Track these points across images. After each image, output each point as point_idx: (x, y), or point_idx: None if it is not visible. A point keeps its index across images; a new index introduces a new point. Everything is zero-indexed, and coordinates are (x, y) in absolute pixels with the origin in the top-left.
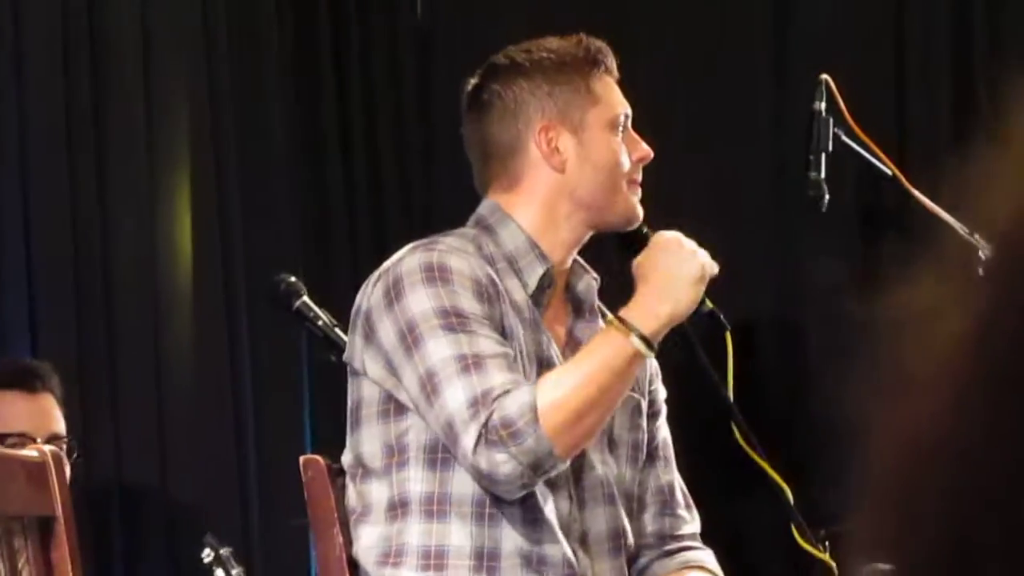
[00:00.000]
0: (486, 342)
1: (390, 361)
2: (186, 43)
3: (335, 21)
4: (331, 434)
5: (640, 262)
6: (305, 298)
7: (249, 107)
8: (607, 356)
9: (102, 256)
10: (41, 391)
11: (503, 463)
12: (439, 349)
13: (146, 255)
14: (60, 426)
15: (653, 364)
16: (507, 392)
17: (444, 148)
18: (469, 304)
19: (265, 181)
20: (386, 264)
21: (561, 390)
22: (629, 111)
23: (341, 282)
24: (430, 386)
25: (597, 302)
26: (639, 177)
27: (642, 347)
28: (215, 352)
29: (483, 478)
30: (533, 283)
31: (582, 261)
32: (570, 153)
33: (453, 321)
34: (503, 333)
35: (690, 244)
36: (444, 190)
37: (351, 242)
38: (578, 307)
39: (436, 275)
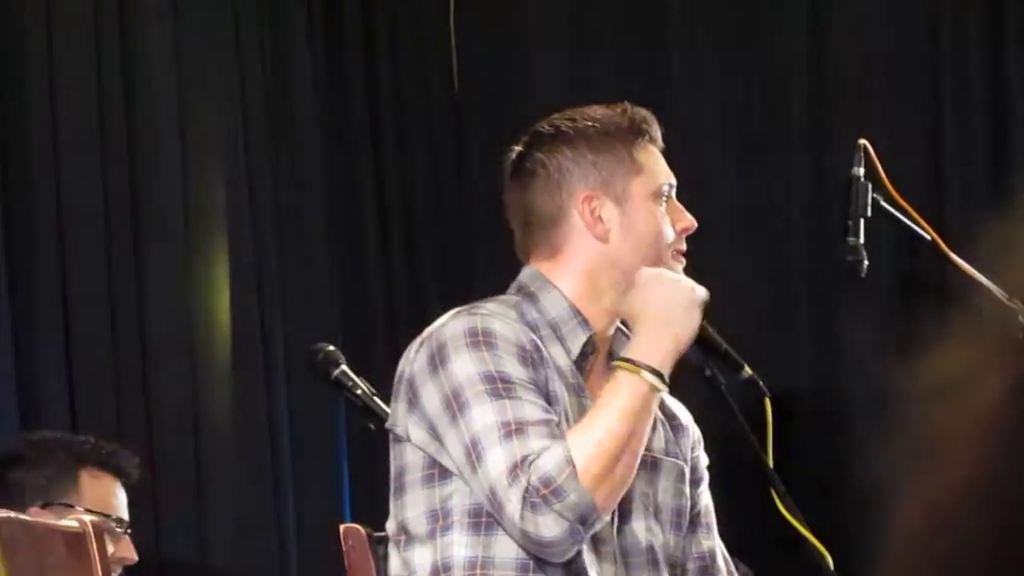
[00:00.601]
0: (530, 408)
1: (434, 427)
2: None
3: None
4: (369, 503)
5: (630, 303)
6: (344, 367)
7: (283, 183)
8: (624, 400)
9: (140, 326)
10: (127, 482)
11: (551, 524)
12: (484, 415)
13: (184, 325)
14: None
15: (696, 432)
16: (541, 453)
17: (481, 208)
18: (514, 369)
19: (303, 249)
20: (428, 330)
21: (591, 442)
22: (674, 181)
23: (379, 346)
24: (474, 454)
25: None
26: (684, 247)
27: (655, 381)
28: (254, 422)
29: (532, 543)
30: (576, 349)
31: (625, 329)
32: (613, 223)
33: (499, 387)
34: (548, 398)
35: (671, 274)
36: (481, 257)
37: (388, 303)
38: None
39: (480, 340)
